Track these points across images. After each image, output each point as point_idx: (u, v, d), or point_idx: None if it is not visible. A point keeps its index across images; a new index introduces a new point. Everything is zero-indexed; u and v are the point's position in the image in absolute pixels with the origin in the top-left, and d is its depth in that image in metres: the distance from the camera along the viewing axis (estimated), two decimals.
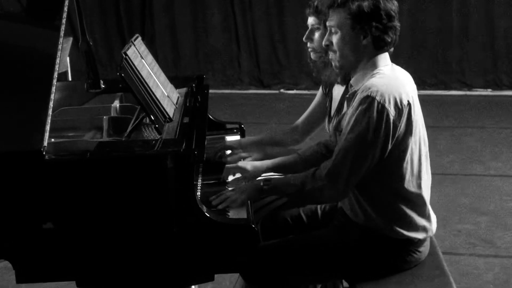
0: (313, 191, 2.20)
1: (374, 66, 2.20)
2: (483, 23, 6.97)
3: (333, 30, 2.21)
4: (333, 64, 2.27)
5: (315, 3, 2.50)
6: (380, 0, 2.13)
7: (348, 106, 2.25)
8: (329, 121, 2.47)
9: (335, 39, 2.20)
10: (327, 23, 2.23)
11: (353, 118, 2.12)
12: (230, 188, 2.34)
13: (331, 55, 2.25)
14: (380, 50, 2.19)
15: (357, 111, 2.11)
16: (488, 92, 7.07)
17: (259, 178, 2.44)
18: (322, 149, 2.56)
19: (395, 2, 2.19)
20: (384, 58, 2.22)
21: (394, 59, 2.26)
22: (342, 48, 2.19)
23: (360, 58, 2.20)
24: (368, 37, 2.16)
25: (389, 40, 2.17)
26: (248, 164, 2.48)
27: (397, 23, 2.17)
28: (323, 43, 2.26)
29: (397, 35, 2.18)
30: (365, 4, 2.13)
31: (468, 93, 7.09)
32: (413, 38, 7.10)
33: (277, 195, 2.38)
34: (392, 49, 2.23)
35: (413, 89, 2.24)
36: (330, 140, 2.51)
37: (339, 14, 2.17)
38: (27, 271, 2.10)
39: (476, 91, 7.09)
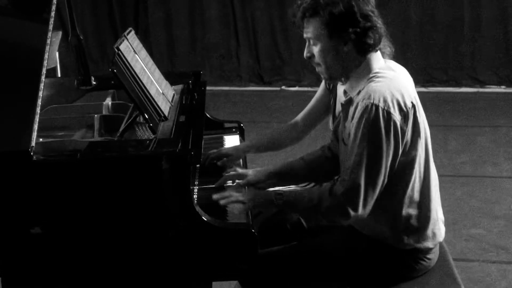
0: (331, 209, 2.13)
1: (367, 69, 2.17)
2: (496, 16, 6.97)
3: (311, 42, 2.19)
4: (322, 76, 2.26)
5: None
6: (352, 2, 2.10)
7: (345, 113, 2.23)
8: (333, 120, 2.46)
9: (315, 51, 2.18)
10: (304, 35, 2.21)
11: (360, 131, 2.08)
12: (235, 190, 2.32)
13: (317, 68, 2.23)
14: (365, 53, 2.16)
15: (363, 123, 2.07)
16: (502, 89, 7.07)
17: (271, 189, 2.43)
18: (327, 153, 2.54)
19: (371, 0, 2.15)
20: (376, 59, 2.19)
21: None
22: (325, 60, 2.18)
23: (347, 65, 2.18)
24: (349, 43, 2.14)
25: (371, 41, 2.13)
26: (249, 170, 2.47)
27: (376, 21, 2.13)
28: (305, 55, 2.23)
29: (380, 33, 2.14)
30: (336, 9, 2.09)
31: (481, 90, 7.08)
32: (422, 32, 7.09)
33: (290, 210, 2.35)
34: (379, 47, 2.19)
35: (412, 86, 2.22)
36: (333, 143, 2.51)
37: (313, 24, 2.15)
38: (14, 278, 2.10)
39: (489, 88, 7.09)
